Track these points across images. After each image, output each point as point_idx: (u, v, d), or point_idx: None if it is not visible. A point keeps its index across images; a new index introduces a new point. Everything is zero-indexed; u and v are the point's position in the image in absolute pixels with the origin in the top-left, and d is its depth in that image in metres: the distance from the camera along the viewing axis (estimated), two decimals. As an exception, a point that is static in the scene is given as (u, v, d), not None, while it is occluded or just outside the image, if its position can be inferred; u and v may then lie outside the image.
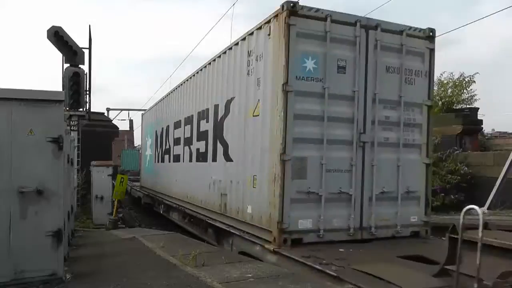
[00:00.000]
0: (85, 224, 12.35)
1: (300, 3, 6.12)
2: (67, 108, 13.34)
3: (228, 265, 5.70)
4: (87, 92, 14.48)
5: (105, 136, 20.11)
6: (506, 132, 35.49)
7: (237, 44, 7.48)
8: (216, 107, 8.45)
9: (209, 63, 8.99)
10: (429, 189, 6.97)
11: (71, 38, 13.86)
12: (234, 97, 7.62)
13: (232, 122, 7.71)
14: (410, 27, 6.73)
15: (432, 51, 6.87)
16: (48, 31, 13.53)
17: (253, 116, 6.80)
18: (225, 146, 7.99)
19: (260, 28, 6.63)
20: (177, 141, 11.70)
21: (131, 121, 38.15)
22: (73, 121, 13.80)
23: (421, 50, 6.80)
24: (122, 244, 8.64)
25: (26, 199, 4.86)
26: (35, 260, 4.86)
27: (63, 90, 13.16)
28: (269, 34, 6.32)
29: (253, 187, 6.69)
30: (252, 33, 6.91)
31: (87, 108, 14.71)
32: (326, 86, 6.07)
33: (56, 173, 5.05)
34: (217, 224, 7.99)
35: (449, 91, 19.47)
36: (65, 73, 13.91)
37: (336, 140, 6.19)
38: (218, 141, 8.35)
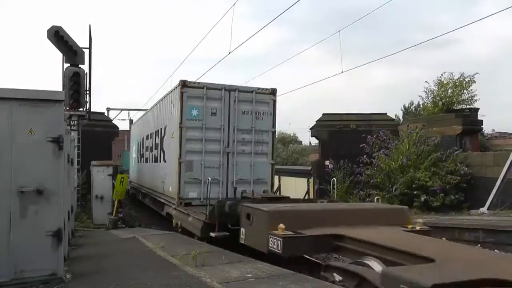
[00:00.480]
0: (85, 224, 12.36)
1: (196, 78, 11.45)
2: (67, 108, 13.34)
3: (228, 265, 5.71)
4: (87, 92, 14.47)
5: (105, 136, 20.07)
6: (506, 132, 35.54)
7: (167, 95, 12.19)
8: (161, 129, 12.94)
9: (159, 102, 13.60)
10: (273, 177, 11.53)
11: (71, 38, 13.86)
12: (167, 125, 12.11)
13: (166, 139, 12.19)
14: (259, 88, 11.08)
15: (274, 101, 11.21)
16: (48, 31, 13.53)
17: (172, 137, 11.15)
18: (164, 153, 12.55)
19: (174, 89, 11.13)
20: (146, 148, 16.25)
21: (131, 121, 38.06)
22: (73, 121, 13.80)
23: (267, 100, 11.08)
24: (122, 244, 8.66)
25: (26, 198, 4.86)
26: (35, 260, 4.86)
27: (63, 90, 13.17)
28: (176, 94, 10.74)
29: (171, 176, 11.09)
30: (172, 91, 11.44)
31: (87, 108, 14.70)
32: (204, 123, 10.45)
33: (56, 173, 5.05)
34: (160, 200, 12.66)
35: (449, 91, 19.40)
36: (65, 73, 13.90)
37: (211, 151, 10.55)
38: (161, 150, 12.90)
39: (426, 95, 20.50)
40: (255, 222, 6.55)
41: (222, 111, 10.62)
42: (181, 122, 10.27)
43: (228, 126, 10.70)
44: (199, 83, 10.78)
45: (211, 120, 10.52)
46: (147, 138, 16.14)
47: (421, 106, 28.83)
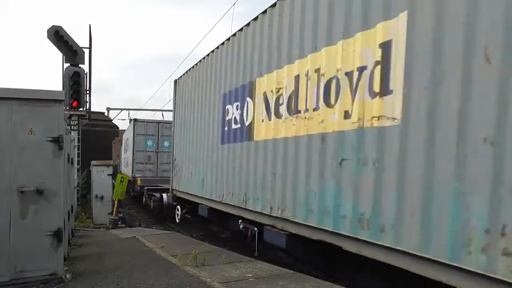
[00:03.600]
0: (85, 224, 12.36)
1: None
2: (67, 108, 13.34)
3: (228, 265, 5.71)
4: (87, 92, 14.48)
5: (105, 136, 20.13)
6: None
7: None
8: None
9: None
10: None
11: (71, 38, 13.87)
12: None
13: None
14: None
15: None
16: (49, 30, 13.53)
17: None
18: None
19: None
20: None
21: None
22: (73, 121, 13.80)
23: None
24: (122, 243, 8.65)
25: (26, 198, 4.86)
26: (35, 260, 4.87)
27: (63, 89, 13.18)
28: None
29: None
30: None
31: (87, 108, 14.71)
32: None
33: (56, 172, 5.05)
34: None
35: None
36: (65, 73, 13.91)
37: None
38: None
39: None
40: None
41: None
42: None
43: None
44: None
45: None
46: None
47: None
